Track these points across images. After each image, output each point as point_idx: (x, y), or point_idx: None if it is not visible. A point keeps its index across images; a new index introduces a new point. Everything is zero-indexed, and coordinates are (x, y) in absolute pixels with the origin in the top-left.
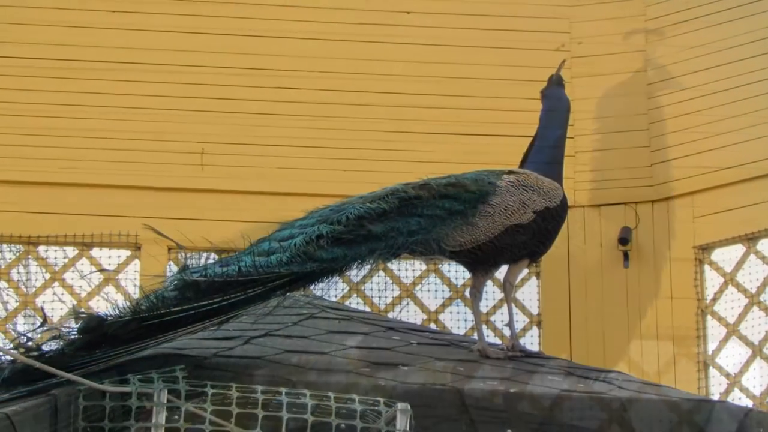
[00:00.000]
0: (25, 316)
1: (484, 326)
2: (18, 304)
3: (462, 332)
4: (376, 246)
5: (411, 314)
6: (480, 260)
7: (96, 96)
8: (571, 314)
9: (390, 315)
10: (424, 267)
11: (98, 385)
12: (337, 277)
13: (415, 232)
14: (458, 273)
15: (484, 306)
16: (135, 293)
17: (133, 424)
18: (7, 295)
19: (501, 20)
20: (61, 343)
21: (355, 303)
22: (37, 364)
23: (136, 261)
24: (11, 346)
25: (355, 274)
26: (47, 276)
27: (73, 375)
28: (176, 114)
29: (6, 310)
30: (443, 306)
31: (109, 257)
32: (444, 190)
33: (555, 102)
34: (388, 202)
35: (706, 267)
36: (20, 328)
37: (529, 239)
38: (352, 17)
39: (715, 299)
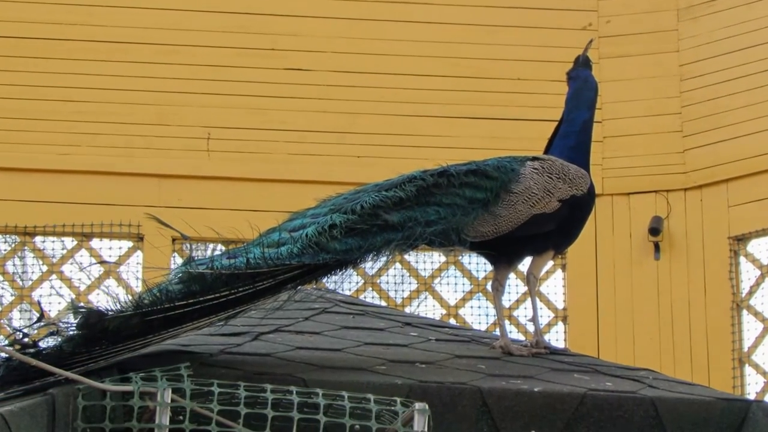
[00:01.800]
0: (21, 311)
1: (506, 321)
2: (14, 298)
3: (483, 328)
4: (393, 236)
5: (429, 309)
6: (503, 252)
7: (95, 78)
8: (598, 309)
9: (407, 309)
10: (443, 259)
11: (98, 384)
12: (352, 270)
13: (434, 222)
14: (479, 265)
15: (507, 300)
16: (137, 286)
17: (135, 425)
18: (2, 288)
19: None
20: (59, 339)
21: (370, 297)
22: (34, 362)
23: (139, 252)
24: (6, 342)
25: (370, 266)
26: (44, 268)
27: (72, 373)
28: (180, 97)
29: (1, 304)
30: (463, 300)
31: (110, 248)
32: (464, 177)
33: (581, 84)
34: (405, 190)
35: (742, 259)
36: (16, 323)
37: (554, 229)
38: None
39: (751, 293)
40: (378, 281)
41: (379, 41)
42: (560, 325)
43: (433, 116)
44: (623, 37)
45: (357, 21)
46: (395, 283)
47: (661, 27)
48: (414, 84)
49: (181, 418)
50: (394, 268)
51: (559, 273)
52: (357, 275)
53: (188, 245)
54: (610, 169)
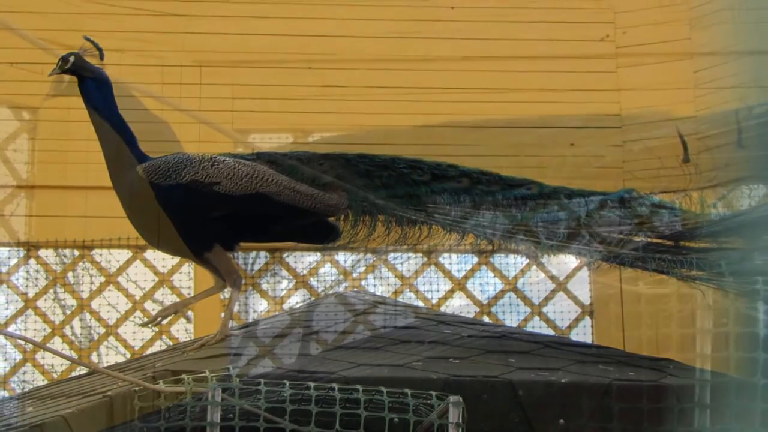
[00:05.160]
0: (81, 320)
1: (536, 318)
2: (74, 308)
3: (514, 324)
4: None
5: (463, 307)
6: None
7: (142, 100)
8: (623, 303)
9: (442, 308)
10: (475, 260)
11: (153, 386)
12: None
13: None
14: (509, 266)
15: (537, 298)
16: (189, 293)
17: (189, 423)
18: (63, 299)
19: (544, 12)
20: None
21: (407, 297)
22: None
23: (189, 263)
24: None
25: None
26: (102, 280)
27: (129, 377)
28: (225, 115)
29: (64, 313)
30: (495, 299)
31: (163, 259)
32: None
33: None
34: None
35: None
36: (78, 331)
37: None
38: (397, 14)
39: None
40: (414, 282)
41: (407, 60)
42: (587, 319)
43: (465, 126)
44: (639, 47)
45: (387, 39)
46: (430, 284)
47: (675, 36)
48: (445, 97)
49: (231, 416)
50: (429, 270)
51: (584, 270)
52: (395, 277)
53: None
54: (631, 172)
